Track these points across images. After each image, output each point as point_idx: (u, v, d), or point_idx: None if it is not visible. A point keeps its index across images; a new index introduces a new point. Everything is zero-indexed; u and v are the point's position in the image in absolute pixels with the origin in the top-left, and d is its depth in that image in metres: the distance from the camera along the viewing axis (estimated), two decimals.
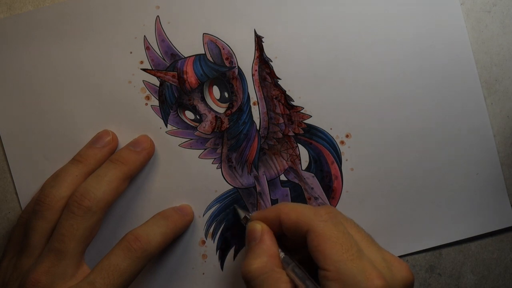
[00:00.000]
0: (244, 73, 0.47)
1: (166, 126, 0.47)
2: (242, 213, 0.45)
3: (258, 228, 0.42)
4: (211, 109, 0.47)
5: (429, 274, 0.48)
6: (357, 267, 0.37)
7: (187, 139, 0.47)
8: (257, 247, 0.41)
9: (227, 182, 0.47)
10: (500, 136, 0.47)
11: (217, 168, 0.47)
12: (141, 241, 0.42)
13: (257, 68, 0.47)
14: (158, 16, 0.47)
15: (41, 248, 0.42)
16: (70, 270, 0.41)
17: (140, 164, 0.45)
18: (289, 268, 0.39)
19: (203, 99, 0.47)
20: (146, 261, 0.42)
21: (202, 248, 0.47)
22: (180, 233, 0.46)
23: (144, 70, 0.47)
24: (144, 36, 0.47)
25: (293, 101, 0.47)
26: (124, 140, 0.47)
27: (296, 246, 0.42)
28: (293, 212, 0.40)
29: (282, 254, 0.41)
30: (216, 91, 0.47)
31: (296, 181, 0.47)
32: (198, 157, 0.47)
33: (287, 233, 0.41)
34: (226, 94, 0.47)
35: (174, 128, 0.47)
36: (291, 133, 0.47)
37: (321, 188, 0.47)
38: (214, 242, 0.48)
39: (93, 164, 0.45)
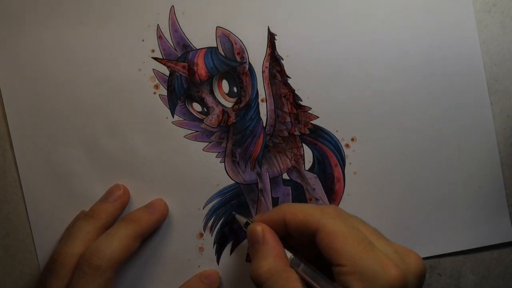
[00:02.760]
0: (255, 69, 0.47)
1: (173, 116, 0.47)
2: (243, 219, 0.44)
3: (259, 229, 0.41)
4: (219, 102, 0.47)
5: (429, 274, 0.48)
6: (372, 258, 0.36)
7: (193, 131, 0.47)
8: (262, 249, 0.40)
9: (230, 176, 0.47)
10: (500, 136, 0.47)
11: (220, 162, 0.47)
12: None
13: (268, 65, 0.47)
14: (173, 5, 0.47)
15: None
16: None
17: (152, 224, 0.45)
18: (300, 268, 0.39)
19: (211, 92, 0.47)
20: None
21: (199, 241, 0.47)
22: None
23: (155, 59, 0.47)
24: (158, 25, 0.47)
25: (301, 100, 0.47)
26: (130, 127, 0.47)
27: (302, 246, 0.41)
28: (299, 212, 0.40)
29: (290, 255, 0.40)
30: (225, 85, 0.47)
31: (299, 180, 0.47)
32: (203, 149, 0.47)
33: (294, 233, 0.40)
34: (235, 89, 0.47)
35: (181, 119, 0.47)
36: (297, 133, 0.47)
37: (323, 190, 0.47)
38: (212, 235, 0.47)
39: (104, 219, 0.45)
